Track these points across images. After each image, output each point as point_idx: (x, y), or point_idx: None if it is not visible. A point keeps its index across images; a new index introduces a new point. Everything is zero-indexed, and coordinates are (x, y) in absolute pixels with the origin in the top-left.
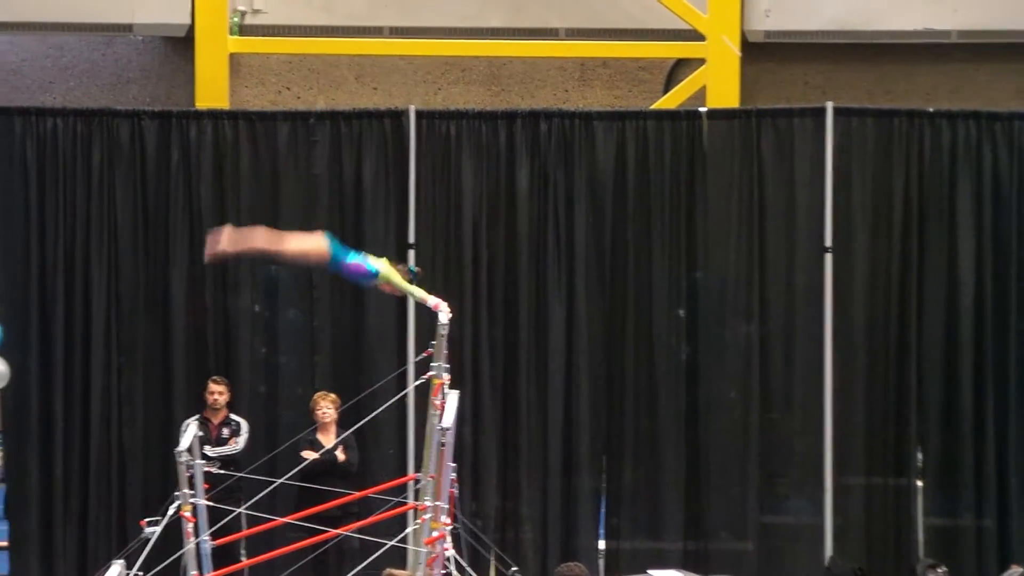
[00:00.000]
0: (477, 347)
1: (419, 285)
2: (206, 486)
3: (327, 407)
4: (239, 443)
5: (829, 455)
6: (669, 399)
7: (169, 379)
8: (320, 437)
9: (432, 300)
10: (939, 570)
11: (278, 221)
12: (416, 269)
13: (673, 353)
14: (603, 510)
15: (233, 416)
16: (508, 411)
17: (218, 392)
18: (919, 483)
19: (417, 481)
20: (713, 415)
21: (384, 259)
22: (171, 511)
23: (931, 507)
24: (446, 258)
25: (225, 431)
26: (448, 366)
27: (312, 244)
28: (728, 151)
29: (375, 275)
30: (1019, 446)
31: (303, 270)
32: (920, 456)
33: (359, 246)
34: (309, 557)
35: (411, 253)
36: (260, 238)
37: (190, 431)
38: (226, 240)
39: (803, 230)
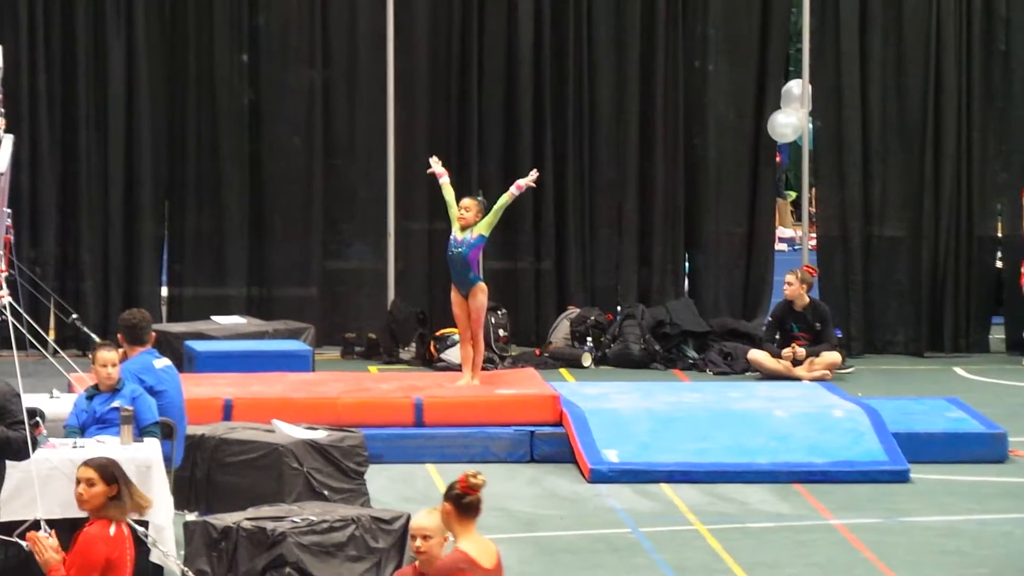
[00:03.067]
0: (34, 89)
1: None
2: None
3: None
4: None
5: (392, 200)
6: (233, 145)
7: None
8: None
9: None
10: (499, 312)
11: None
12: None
13: (236, 97)
14: (165, 256)
15: None
16: (67, 156)
17: None
18: None
19: None
20: (277, 161)
21: None
22: None
23: (490, 250)
24: None
25: None
26: (3, 110)
27: None
28: None
29: None
30: (577, 190)
31: None
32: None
33: None
34: None
35: None
36: None
37: None
38: None
39: None
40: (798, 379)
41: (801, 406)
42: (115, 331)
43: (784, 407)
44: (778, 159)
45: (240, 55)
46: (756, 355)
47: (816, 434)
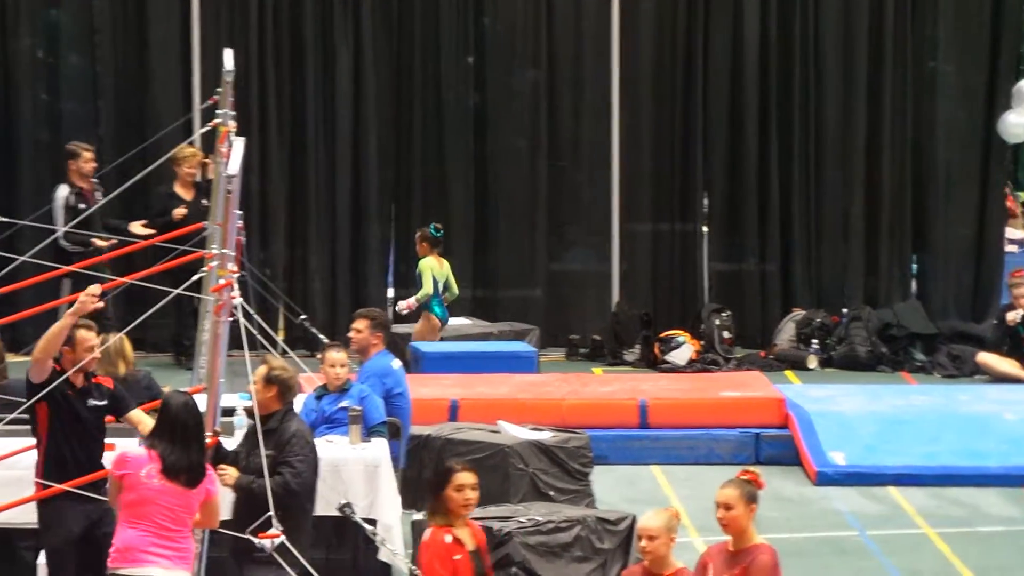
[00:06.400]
0: (264, 93)
1: None
2: None
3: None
4: None
5: (616, 202)
6: (457, 148)
7: None
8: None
9: None
10: (723, 314)
11: None
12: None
13: (461, 101)
14: (392, 258)
15: None
16: (296, 159)
17: None
18: (704, 228)
19: (204, 229)
20: (501, 164)
21: None
22: None
23: (716, 252)
24: (231, 2)
25: None
26: (234, 113)
27: None
28: None
29: None
30: (802, 192)
31: (85, 12)
32: (706, 201)
33: None
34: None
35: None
36: None
37: None
38: None
39: None
40: None
41: None
42: (343, 331)
43: (1014, 410)
44: None
45: (466, 57)
46: (985, 358)
47: None
